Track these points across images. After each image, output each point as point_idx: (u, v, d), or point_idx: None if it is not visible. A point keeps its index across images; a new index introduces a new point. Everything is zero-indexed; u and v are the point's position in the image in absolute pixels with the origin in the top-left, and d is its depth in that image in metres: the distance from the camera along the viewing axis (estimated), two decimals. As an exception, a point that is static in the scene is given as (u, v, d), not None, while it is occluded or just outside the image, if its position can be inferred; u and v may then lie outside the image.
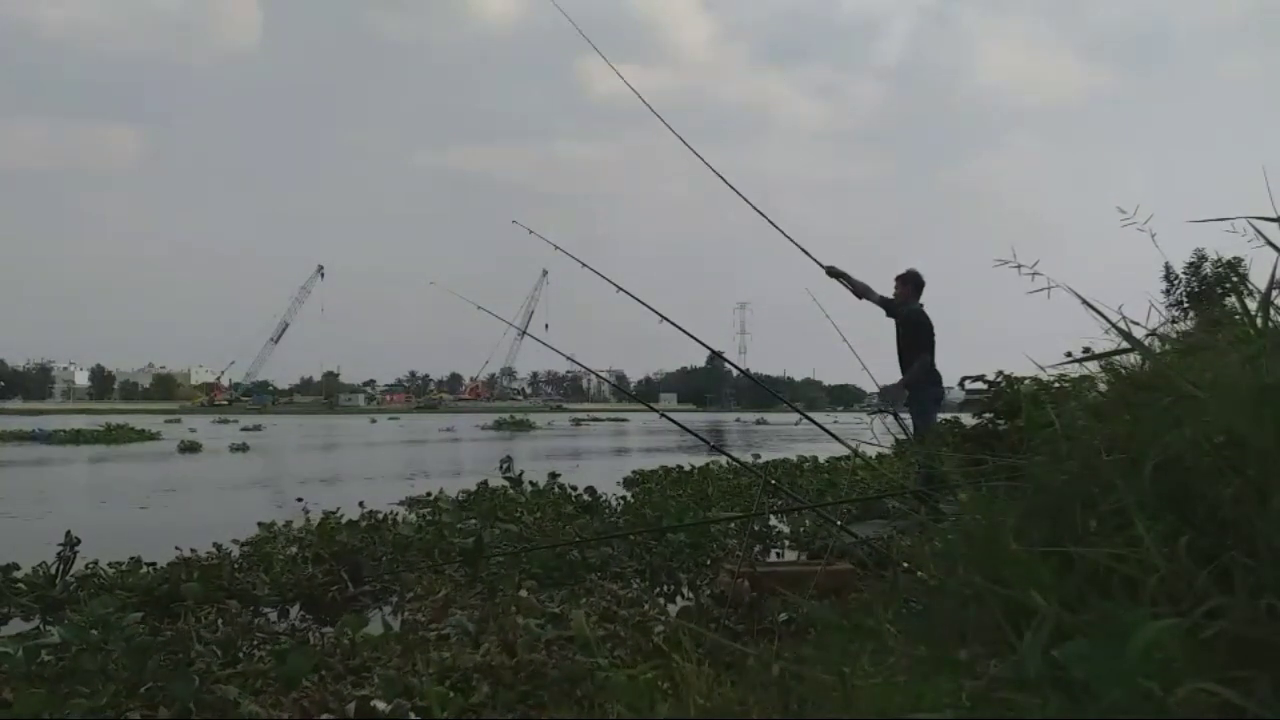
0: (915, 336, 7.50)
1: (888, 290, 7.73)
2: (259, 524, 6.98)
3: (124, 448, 26.28)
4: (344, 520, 6.99)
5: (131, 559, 5.74)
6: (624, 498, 9.27)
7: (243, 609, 4.75)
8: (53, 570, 5.58)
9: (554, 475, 9.64)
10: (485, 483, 9.27)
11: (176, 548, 5.76)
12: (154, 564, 5.62)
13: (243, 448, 24.08)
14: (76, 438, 29.77)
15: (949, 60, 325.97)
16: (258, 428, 40.64)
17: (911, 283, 7.70)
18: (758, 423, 58.84)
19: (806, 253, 6.76)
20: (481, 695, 2.88)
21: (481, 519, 7.48)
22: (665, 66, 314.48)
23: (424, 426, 48.44)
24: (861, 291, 7.45)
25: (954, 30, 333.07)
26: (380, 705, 2.80)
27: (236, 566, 5.72)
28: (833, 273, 7.37)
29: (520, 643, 3.25)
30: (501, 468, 9.11)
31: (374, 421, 62.15)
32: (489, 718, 2.82)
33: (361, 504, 7.58)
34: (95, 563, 5.69)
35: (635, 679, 2.72)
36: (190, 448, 23.45)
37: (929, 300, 7.73)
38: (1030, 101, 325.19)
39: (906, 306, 7.61)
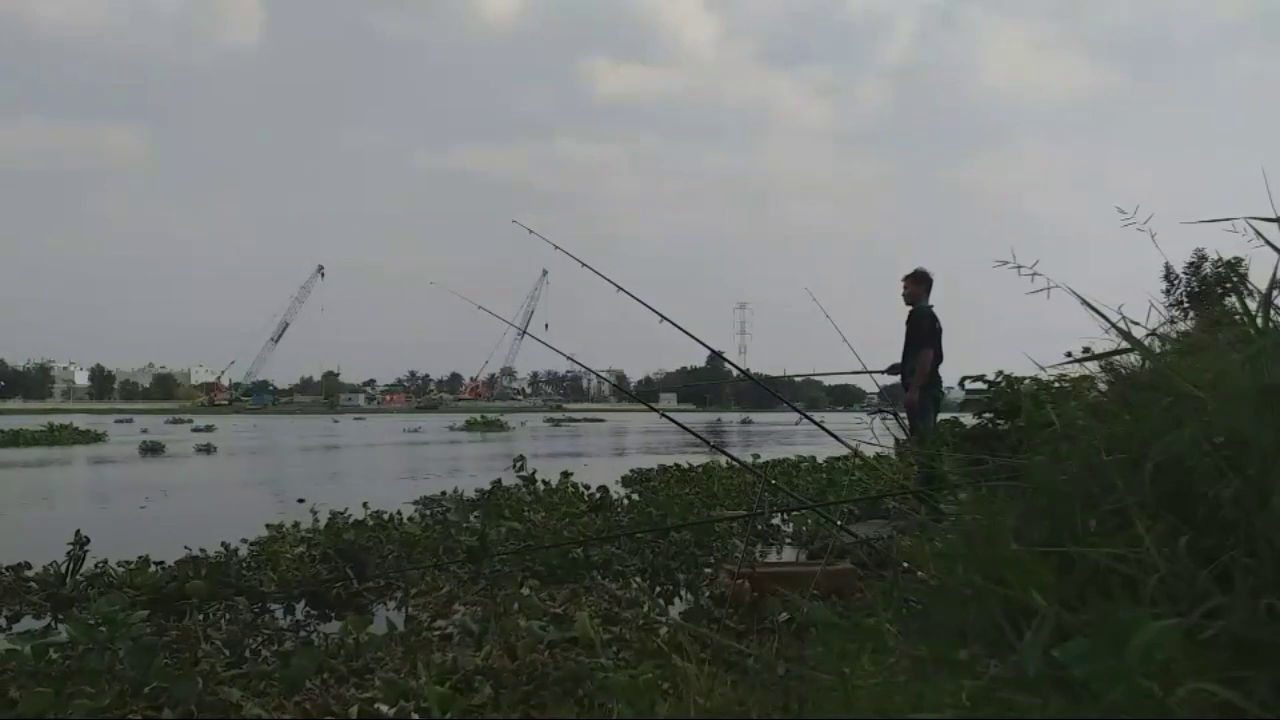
0: (929, 334, 7.50)
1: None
2: (267, 525, 7.01)
3: (68, 450, 24.30)
4: (350, 520, 7.01)
5: (140, 558, 5.77)
6: (628, 496, 9.30)
7: (249, 606, 4.78)
8: (63, 569, 5.61)
9: (566, 474, 9.69)
10: (499, 481, 9.31)
11: (185, 546, 5.79)
12: (162, 563, 5.65)
13: (208, 449, 23.30)
14: (16, 439, 27.01)
15: (953, 61, 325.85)
16: (209, 428, 38.91)
17: (921, 281, 7.71)
18: (743, 422, 58.62)
19: (867, 370, 6.98)
20: (484, 696, 2.89)
21: (486, 517, 7.50)
22: (668, 66, 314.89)
23: (387, 427, 46.19)
24: (926, 361, 7.45)
25: (958, 31, 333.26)
26: (383, 708, 2.80)
27: (244, 565, 5.75)
28: (895, 370, 7.54)
29: (522, 645, 3.25)
30: (515, 466, 9.14)
31: (336, 421, 61.40)
32: (491, 718, 2.82)
33: (366, 504, 7.60)
34: (105, 561, 5.71)
35: (635, 679, 2.73)
36: (152, 449, 22.36)
37: (936, 300, 7.76)
38: (1033, 102, 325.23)
39: (917, 305, 7.62)
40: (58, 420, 34.87)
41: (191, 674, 3.14)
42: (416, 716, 2.76)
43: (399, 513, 7.63)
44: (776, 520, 7.48)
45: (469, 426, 41.46)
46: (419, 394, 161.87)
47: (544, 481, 9.22)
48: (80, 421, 35.82)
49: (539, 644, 3.29)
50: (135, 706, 2.92)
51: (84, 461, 21.03)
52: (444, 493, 9.63)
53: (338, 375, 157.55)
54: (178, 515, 10.09)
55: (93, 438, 29.05)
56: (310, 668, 3.23)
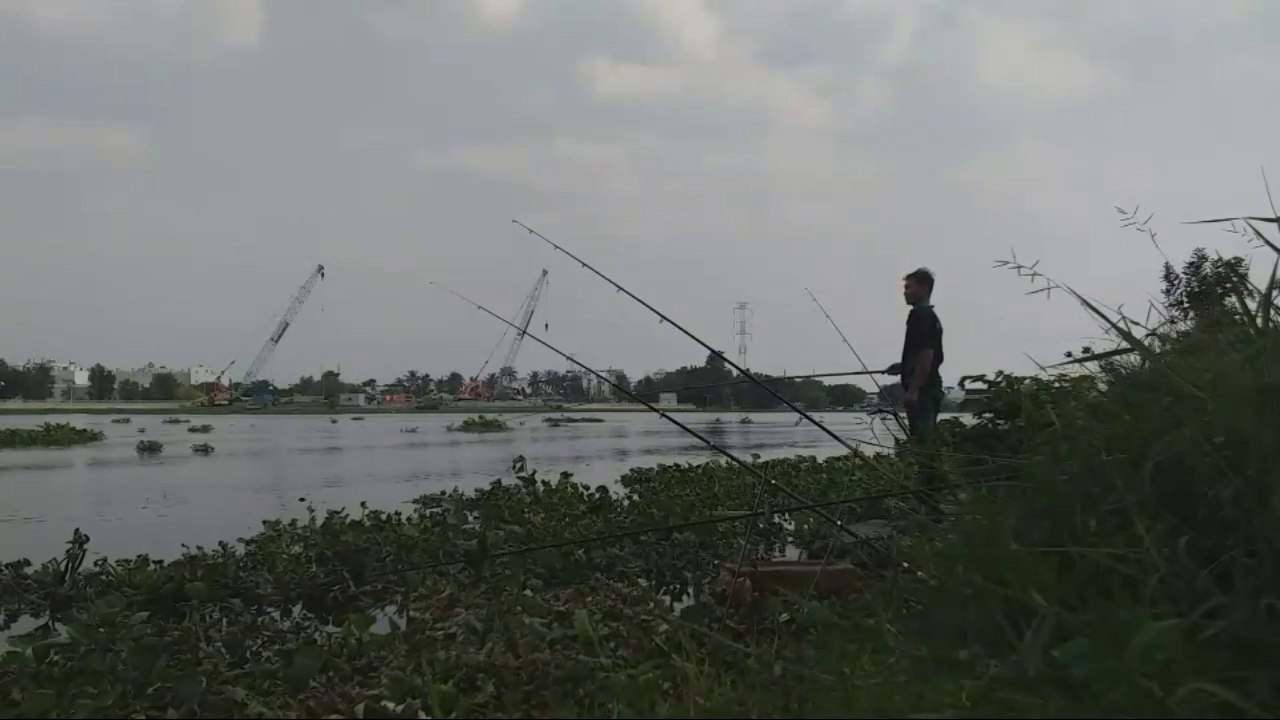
0: (929, 334, 7.51)
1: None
2: (264, 522, 6.99)
3: (64, 451, 23.97)
4: (348, 520, 7.01)
5: (139, 557, 5.77)
6: (628, 496, 9.30)
7: (245, 608, 4.77)
8: (61, 567, 5.62)
9: (566, 475, 9.71)
10: (499, 482, 9.31)
11: (183, 545, 5.79)
12: (160, 561, 5.65)
13: (205, 449, 23.25)
14: (12, 439, 26.73)
15: (953, 61, 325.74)
16: (206, 428, 38.77)
17: (924, 281, 7.72)
18: (742, 422, 58.57)
19: (867, 370, 7.04)
20: (486, 695, 2.89)
21: (485, 519, 7.49)
22: (668, 66, 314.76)
23: (386, 428, 45.94)
24: (926, 362, 7.45)
25: (958, 31, 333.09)
26: (389, 705, 2.81)
27: (240, 565, 5.74)
28: (895, 370, 7.56)
29: (525, 642, 3.25)
30: (515, 467, 9.15)
31: (334, 421, 61.30)
32: (493, 717, 2.82)
33: (364, 504, 7.60)
34: (104, 560, 5.71)
35: (635, 679, 2.73)
36: (150, 448, 22.35)
37: (936, 300, 7.76)
38: (1033, 102, 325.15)
39: (918, 305, 7.62)
40: (56, 420, 34.64)
41: (195, 674, 3.14)
42: (424, 715, 2.76)
43: (397, 513, 7.62)
44: (779, 519, 7.49)
45: (467, 427, 41.08)
46: (419, 394, 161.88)
47: (544, 482, 9.23)
48: (79, 421, 35.62)
49: (541, 641, 3.29)
50: (139, 707, 2.92)
51: (81, 461, 20.97)
52: (444, 492, 9.65)
53: (338, 375, 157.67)
54: (177, 516, 10.10)
55: (89, 437, 28.82)
56: (314, 667, 3.23)
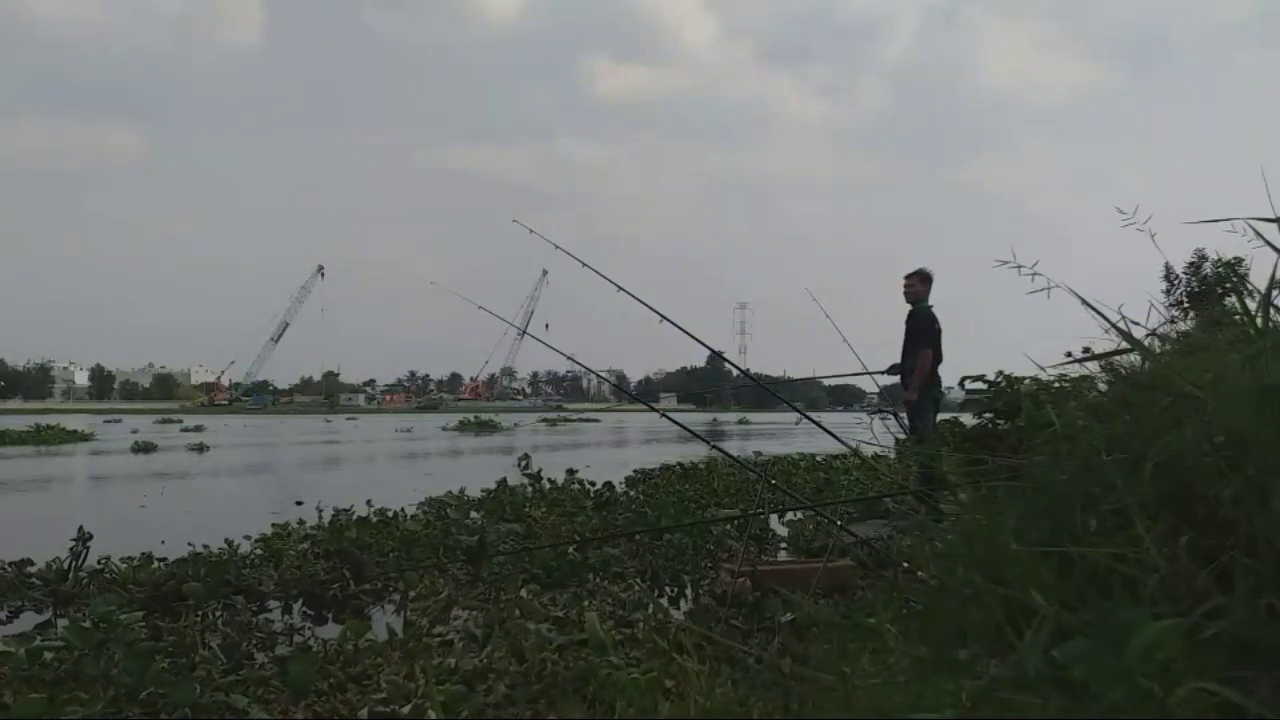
0: (929, 333, 7.52)
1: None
2: (274, 525, 7.01)
3: (57, 455, 23.06)
4: (354, 517, 7.02)
5: (143, 554, 5.77)
6: (627, 492, 9.29)
7: (246, 605, 4.77)
8: (65, 565, 5.62)
9: (571, 471, 9.70)
10: (504, 480, 9.31)
11: (189, 544, 5.79)
12: (164, 559, 5.65)
13: (201, 448, 23.16)
14: (1, 438, 26.41)
15: (953, 61, 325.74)
16: (199, 428, 38.11)
17: (926, 280, 7.73)
18: (740, 422, 58.58)
19: (867, 370, 7.19)
20: (498, 695, 2.88)
21: (486, 517, 7.49)
22: (668, 66, 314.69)
23: (380, 427, 45.49)
24: (925, 361, 7.48)
25: (958, 31, 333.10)
26: (395, 709, 2.81)
27: (244, 562, 5.76)
28: (894, 370, 7.61)
29: (530, 646, 3.25)
30: (520, 464, 9.15)
31: (329, 421, 60.89)
32: (500, 716, 2.82)
33: (370, 502, 7.60)
34: (108, 558, 5.72)
35: (638, 679, 2.73)
36: (144, 448, 22.15)
37: (936, 300, 7.77)
38: (1033, 102, 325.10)
39: (918, 304, 7.63)
40: (51, 420, 34.38)
41: (189, 679, 3.12)
42: (433, 714, 2.76)
43: (402, 510, 7.63)
44: (772, 523, 7.47)
45: (461, 427, 40.55)
46: (419, 394, 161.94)
47: (550, 480, 9.23)
48: (72, 422, 35.36)
49: (547, 645, 3.28)
50: (131, 711, 2.91)
51: (75, 463, 20.71)
52: (449, 492, 9.65)
53: (338, 375, 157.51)
54: (176, 515, 10.08)
55: (80, 438, 28.53)
56: (312, 673, 3.21)
